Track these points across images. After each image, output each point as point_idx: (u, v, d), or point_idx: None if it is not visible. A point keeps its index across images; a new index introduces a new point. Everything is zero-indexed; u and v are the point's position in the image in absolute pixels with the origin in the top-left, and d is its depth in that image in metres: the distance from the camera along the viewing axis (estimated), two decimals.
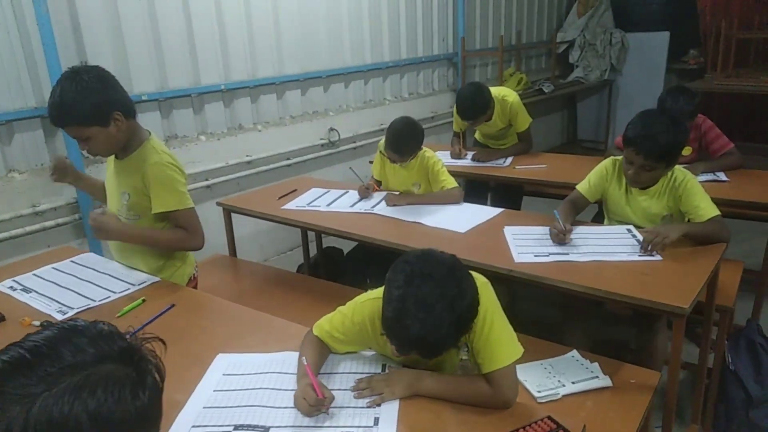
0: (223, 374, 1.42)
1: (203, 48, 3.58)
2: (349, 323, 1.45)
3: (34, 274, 2.05)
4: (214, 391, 1.37)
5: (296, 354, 1.44)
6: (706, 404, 2.39)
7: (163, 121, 3.51)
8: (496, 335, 1.34)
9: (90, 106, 1.76)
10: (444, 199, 2.72)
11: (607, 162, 2.39)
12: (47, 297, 1.87)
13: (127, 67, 3.27)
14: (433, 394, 1.30)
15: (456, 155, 3.57)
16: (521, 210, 3.56)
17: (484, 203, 3.37)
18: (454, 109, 3.68)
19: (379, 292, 1.35)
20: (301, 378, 1.35)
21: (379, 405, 1.28)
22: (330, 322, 1.48)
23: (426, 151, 2.82)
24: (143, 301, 1.82)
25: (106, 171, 2.09)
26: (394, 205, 2.66)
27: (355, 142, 4.63)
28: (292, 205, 2.79)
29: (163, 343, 0.87)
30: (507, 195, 3.67)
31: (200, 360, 1.49)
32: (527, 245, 2.14)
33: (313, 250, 3.55)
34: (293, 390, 1.34)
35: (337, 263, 3.52)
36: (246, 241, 3.61)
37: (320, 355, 1.45)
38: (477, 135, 3.90)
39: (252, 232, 3.78)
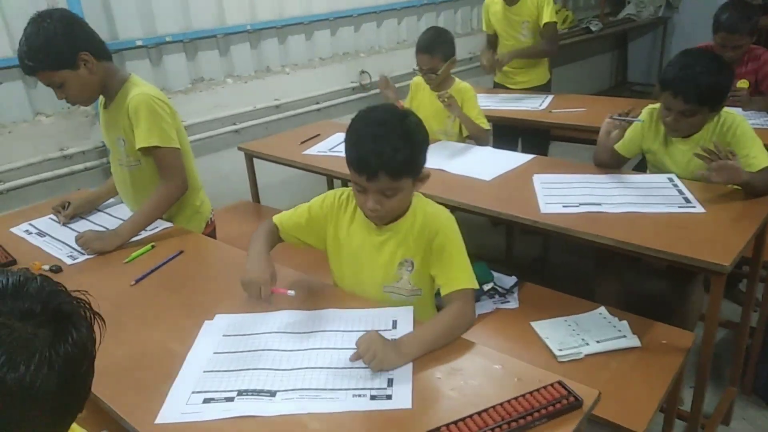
0: (223, 335, 1.35)
1: None
2: (316, 211, 1.54)
3: (50, 218, 2.05)
4: (214, 353, 1.29)
5: (298, 312, 1.41)
6: (747, 366, 2.24)
7: (189, 63, 3.43)
8: (458, 259, 1.40)
9: (55, 49, 1.68)
10: (478, 132, 2.60)
11: (644, 111, 2.18)
12: (60, 241, 1.86)
13: (150, 7, 3.17)
14: (420, 352, 1.24)
15: (490, 66, 3.33)
16: (548, 156, 3.38)
17: (514, 148, 3.18)
18: (486, 1, 3.57)
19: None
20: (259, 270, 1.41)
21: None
22: (290, 214, 1.60)
23: (460, 81, 2.69)
24: (152, 246, 1.79)
25: (101, 128, 2.02)
26: (445, 103, 2.54)
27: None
28: (313, 150, 2.69)
29: (102, 319, 0.80)
30: (537, 140, 3.47)
31: (200, 310, 1.45)
32: (556, 194, 1.99)
33: None
34: (298, 350, 1.28)
35: None
36: (273, 187, 3.55)
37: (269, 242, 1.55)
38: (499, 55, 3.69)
39: (279, 179, 3.72)
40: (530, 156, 2.42)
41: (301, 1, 3.83)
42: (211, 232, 2.14)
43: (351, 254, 1.52)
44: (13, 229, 1.98)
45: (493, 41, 3.67)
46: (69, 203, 2.04)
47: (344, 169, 2.56)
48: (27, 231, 1.96)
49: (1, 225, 2.03)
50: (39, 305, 0.70)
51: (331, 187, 3.32)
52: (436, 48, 2.56)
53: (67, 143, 3.00)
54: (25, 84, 2.87)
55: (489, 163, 2.33)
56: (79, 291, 0.78)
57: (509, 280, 2.00)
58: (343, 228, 1.52)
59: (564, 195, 1.99)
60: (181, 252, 1.75)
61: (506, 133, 3.38)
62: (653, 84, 6.62)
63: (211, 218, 2.13)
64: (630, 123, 2.16)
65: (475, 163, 2.34)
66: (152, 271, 1.64)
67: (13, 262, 1.73)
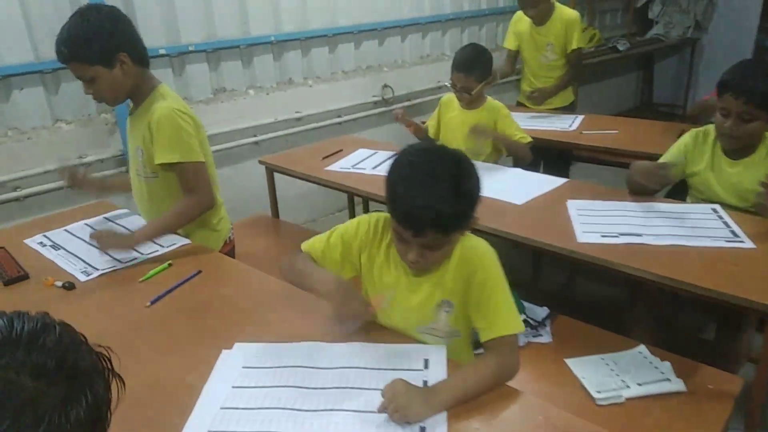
0: (243, 367, 1.25)
1: None
2: (349, 237, 1.40)
3: (66, 230, 1.99)
4: (233, 387, 1.19)
5: (323, 344, 1.31)
6: None
7: (211, 73, 3.39)
8: (501, 300, 1.26)
9: (95, 44, 1.64)
10: (517, 149, 2.53)
11: (687, 135, 2.10)
12: (74, 255, 1.79)
13: (174, 15, 3.14)
14: (453, 402, 1.13)
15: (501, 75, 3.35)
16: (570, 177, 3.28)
17: (537, 170, 3.06)
18: (513, 18, 3.51)
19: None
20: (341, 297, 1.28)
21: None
22: (323, 241, 1.43)
23: (493, 101, 2.61)
24: (169, 265, 1.71)
25: (127, 133, 1.97)
26: (475, 134, 2.47)
27: (409, 99, 4.39)
28: (335, 166, 2.61)
29: (122, 381, 0.71)
30: (560, 161, 3.38)
31: (218, 337, 1.36)
32: (593, 223, 1.89)
33: (359, 214, 3.39)
34: (325, 389, 1.18)
35: None
36: (292, 200, 3.48)
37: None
38: (521, 92, 3.59)
39: (298, 192, 3.65)
40: (562, 179, 2.32)
41: (326, 13, 3.78)
42: (229, 250, 2.06)
43: (383, 290, 1.39)
44: (28, 241, 1.91)
45: (512, 58, 3.61)
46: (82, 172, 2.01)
47: (366, 187, 2.55)
48: (41, 243, 1.89)
49: (16, 235, 1.96)
50: (54, 361, 0.61)
51: (352, 204, 3.24)
52: (473, 67, 2.48)
53: (85, 150, 2.96)
54: (46, 90, 2.83)
55: (520, 186, 2.23)
56: (100, 346, 0.70)
57: (541, 311, 1.89)
58: (377, 261, 1.38)
59: (601, 224, 1.88)
60: (199, 272, 1.67)
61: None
62: (679, 105, 6.51)
63: (230, 237, 2.05)
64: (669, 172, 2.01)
65: (506, 185, 2.25)
66: (168, 291, 1.56)
67: (26, 276, 1.66)
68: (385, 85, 4.20)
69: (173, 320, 1.45)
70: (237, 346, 1.32)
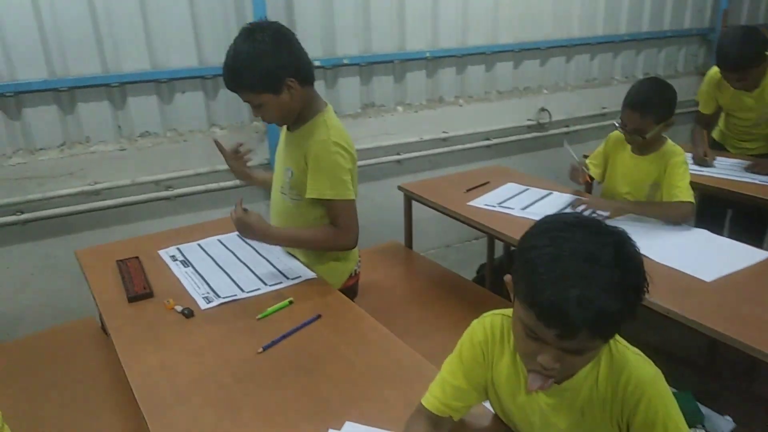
0: None
1: (412, 10, 3.27)
2: (467, 355, 1.10)
3: (199, 245, 1.96)
4: None
5: None
6: None
7: (362, 87, 3.31)
8: None
9: (261, 72, 1.57)
10: (666, 213, 2.07)
11: None
12: (200, 277, 1.74)
13: (332, 27, 3.10)
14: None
15: (700, 160, 2.73)
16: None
17: (719, 231, 2.45)
18: (704, 82, 2.85)
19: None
20: None
21: None
22: (439, 381, 1.13)
23: (673, 144, 2.16)
24: (290, 302, 1.58)
25: (279, 145, 1.89)
26: (596, 211, 2.08)
27: (567, 126, 4.01)
28: (480, 201, 2.36)
29: None
30: (753, 219, 2.76)
31: (327, 411, 1.19)
32: None
33: (498, 247, 3.08)
34: None
35: None
36: (428, 222, 3.27)
37: None
38: (719, 129, 3.01)
39: (435, 214, 3.45)
40: (762, 253, 1.84)
41: (486, 30, 3.55)
42: (354, 284, 1.90)
43: (511, 414, 1.12)
44: (161, 252, 1.91)
45: (708, 122, 2.98)
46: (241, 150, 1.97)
47: (512, 231, 2.19)
48: (173, 257, 1.87)
49: (151, 244, 1.97)
50: None
51: (492, 248, 2.94)
52: (650, 107, 2.05)
53: None
54: (206, 95, 2.91)
55: (706, 255, 1.81)
56: None
57: (724, 423, 1.49)
58: (500, 376, 1.09)
59: None
60: (319, 316, 1.52)
61: (712, 204, 2.75)
62: None
63: (356, 270, 1.90)
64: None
65: (686, 251, 1.84)
66: (284, 337, 1.43)
67: (150, 294, 1.62)
68: (543, 109, 3.87)
69: (282, 377, 1.30)
70: (348, 426, 1.14)
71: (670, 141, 2.18)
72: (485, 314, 1.12)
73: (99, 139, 2.72)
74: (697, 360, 2.41)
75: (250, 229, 1.67)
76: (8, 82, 2.45)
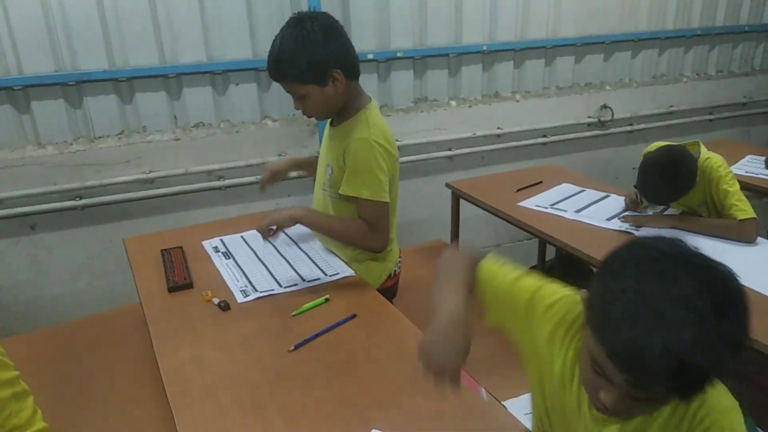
0: None
1: (470, 2, 3.18)
2: (543, 301, 1.03)
3: (242, 237, 1.96)
4: None
5: None
6: None
7: (415, 81, 3.25)
8: None
9: (307, 62, 1.53)
10: (729, 235, 1.92)
11: None
12: (240, 269, 1.74)
13: (387, 20, 3.05)
14: None
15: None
16: None
17: None
18: None
19: None
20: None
21: None
22: (511, 272, 1.09)
23: (711, 158, 1.99)
24: (326, 300, 1.56)
25: (323, 137, 1.86)
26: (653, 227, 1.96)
27: (631, 125, 3.82)
28: (531, 202, 2.27)
29: None
30: None
31: (356, 415, 1.15)
32: None
33: (551, 250, 2.98)
34: None
35: (579, 274, 2.89)
36: (476, 220, 3.17)
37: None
38: None
39: (484, 218, 3.37)
40: None
41: (549, 22, 3.41)
42: (392, 285, 1.86)
43: (553, 412, 1.04)
44: (205, 242, 1.93)
45: None
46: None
47: (565, 235, 2.08)
48: (216, 248, 1.89)
49: (196, 234, 1.99)
50: None
51: (543, 252, 2.84)
52: (667, 200, 2.02)
53: (285, 149, 3.02)
54: (259, 87, 2.93)
55: None
56: None
57: None
58: (556, 366, 1.00)
59: None
60: (354, 316, 1.48)
61: None
62: None
63: (395, 270, 1.85)
64: None
65: (759, 270, 1.69)
66: (316, 335, 1.40)
67: (189, 285, 1.64)
68: (605, 106, 3.69)
69: (312, 377, 1.27)
70: None
71: (703, 152, 2.00)
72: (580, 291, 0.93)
73: (155, 128, 2.79)
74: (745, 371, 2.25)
75: (278, 212, 1.64)
76: (71, 71, 2.54)
